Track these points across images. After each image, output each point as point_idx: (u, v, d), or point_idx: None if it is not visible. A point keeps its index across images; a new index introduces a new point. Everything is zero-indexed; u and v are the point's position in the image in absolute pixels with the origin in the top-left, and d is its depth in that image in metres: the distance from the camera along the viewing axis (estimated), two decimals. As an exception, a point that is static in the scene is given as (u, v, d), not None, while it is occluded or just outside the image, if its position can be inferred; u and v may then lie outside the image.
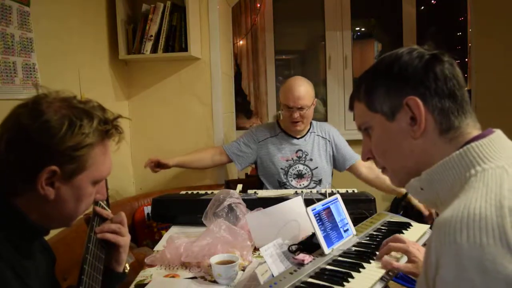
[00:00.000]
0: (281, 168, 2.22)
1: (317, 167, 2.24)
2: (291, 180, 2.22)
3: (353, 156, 2.30)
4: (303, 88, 2.16)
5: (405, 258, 1.20)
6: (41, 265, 0.95)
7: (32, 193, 0.84)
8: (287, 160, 2.23)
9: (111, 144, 0.94)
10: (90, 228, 1.00)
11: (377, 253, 1.24)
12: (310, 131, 2.31)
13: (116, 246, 1.03)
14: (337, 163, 2.32)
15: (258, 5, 3.49)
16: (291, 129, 2.24)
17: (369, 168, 2.25)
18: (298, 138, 2.27)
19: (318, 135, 2.31)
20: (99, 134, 0.88)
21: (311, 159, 2.24)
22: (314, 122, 2.36)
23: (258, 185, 2.34)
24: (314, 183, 2.25)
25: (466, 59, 3.40)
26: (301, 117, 2.16)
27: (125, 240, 1.04)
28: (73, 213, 0.91)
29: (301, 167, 2.23)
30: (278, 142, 2.26)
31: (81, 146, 0.84)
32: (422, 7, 3.54)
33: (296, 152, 2.25)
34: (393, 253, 1.23)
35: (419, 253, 1.14)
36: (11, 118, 0.85)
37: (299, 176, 2.23)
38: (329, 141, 2.32)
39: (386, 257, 1.20)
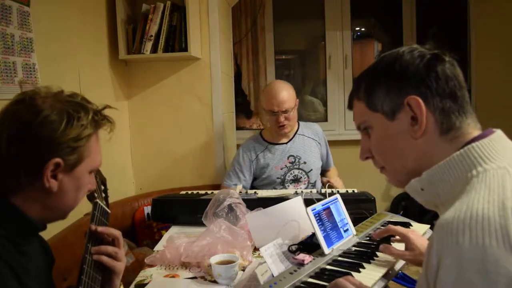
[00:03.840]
0: (277, 178, 2.22)
1: (311, 170, 2.25)
2: (288, 186, 2.22)
3: (331, 163, 2.41)
4: (285, 92, 2.15)
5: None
6: (40, 265, 0.95)
7: (31, 188, 0.86)
8: (281, 169, 2.23)
9: (104, 133, 0.97)
10: (90, 229, 1.00)
11: (377, 253, 1.24)
12: (297, 132, 2.31)
13: (110, 270, 0.99)
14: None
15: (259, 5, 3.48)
16: (279, 134, 2.23)
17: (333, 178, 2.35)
18: (286, 143, 2.27)
19: (308, 137, 2.31)
20: (94, 125, 0.92)
21: (305, 162, 2.24)
22: (301, 123, 2.36)
23: None
24: (311, 186, 2.26)
25: (466, 59, 3.39)
26: (287, 119, 2.16)
27: (120, 266, 1.00)
28: (72, 204, 0.93)
29: (296, 172, 2.23)
30: (268, 155, 2.24)
31: (80, 137, 0.88)
32: (422, 7, 3.54)
33: (288, 158, 2.24)
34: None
35: (419, 241, 1.14)
36: (7, 115, 0.87)
37: (296, 180, 2.23)
38: (319, 143, 2.33)
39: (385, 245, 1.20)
